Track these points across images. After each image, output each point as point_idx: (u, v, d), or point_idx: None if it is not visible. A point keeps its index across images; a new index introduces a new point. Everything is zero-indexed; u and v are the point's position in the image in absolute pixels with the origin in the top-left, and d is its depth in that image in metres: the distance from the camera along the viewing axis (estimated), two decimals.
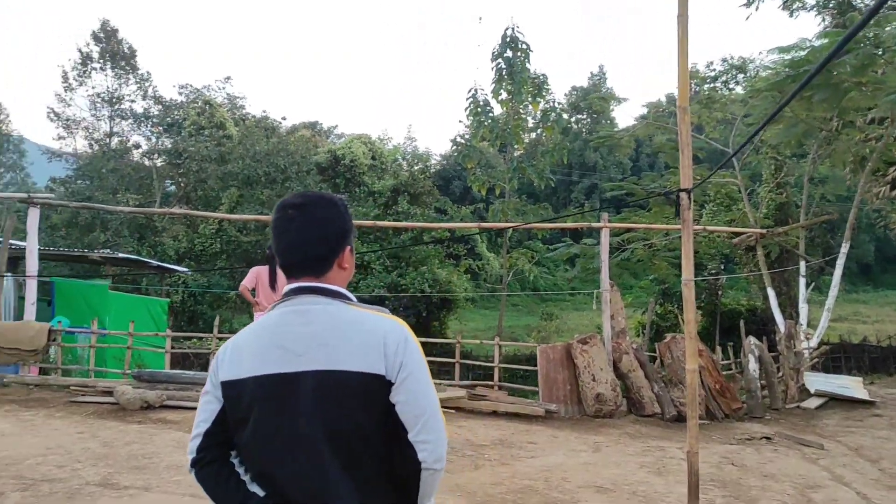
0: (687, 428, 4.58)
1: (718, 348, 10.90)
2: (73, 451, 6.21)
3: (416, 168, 32.25)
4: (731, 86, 28.53)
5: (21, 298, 11.36)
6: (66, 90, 33.08)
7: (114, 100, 32.85)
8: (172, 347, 11.74)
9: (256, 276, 8.18)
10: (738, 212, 19.55)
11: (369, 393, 1.62)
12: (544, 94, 24.62)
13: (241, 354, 1.71)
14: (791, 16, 21.27)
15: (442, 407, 1.73)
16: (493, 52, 23.85)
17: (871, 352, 21.26)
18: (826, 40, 11.42)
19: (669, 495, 5.53)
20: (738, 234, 13.80)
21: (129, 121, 32.77)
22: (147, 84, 33.15)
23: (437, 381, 8.27)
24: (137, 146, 33.14)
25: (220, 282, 24.73)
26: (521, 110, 24.53)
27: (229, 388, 1.69)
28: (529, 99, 24.30)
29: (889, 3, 10.89)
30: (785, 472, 6.36)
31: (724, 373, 9.47)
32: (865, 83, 10.27)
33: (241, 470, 1.70)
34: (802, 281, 13.89)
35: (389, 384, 1.63)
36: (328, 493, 1.60)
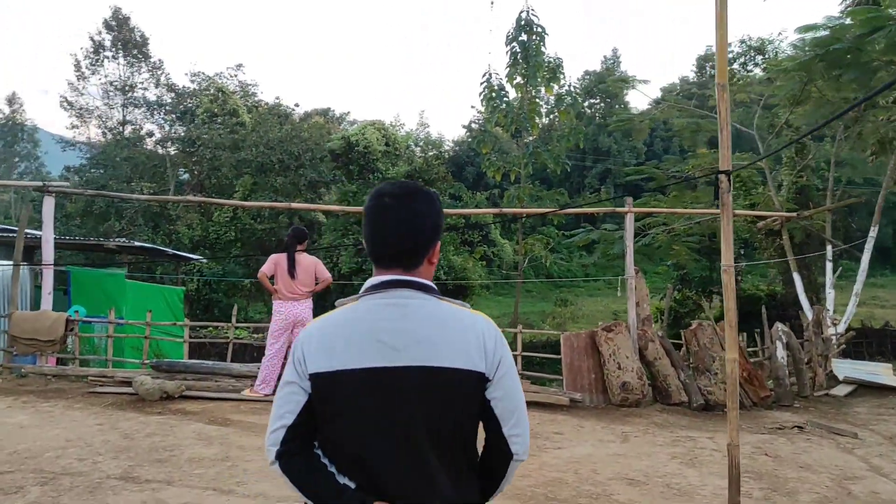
0: (727, 420, 4.41)
1: (744, 335, 10.68)
2: (94, 443, 6.11)
3: (430, 154, 32.01)
4: (749, 67, 28.11)
5: (38, 288, 11.33)
6: (78, 79, 33.12)
7: (126, 88, 32.83)
8: (189, 336, 11.68)
9: (275, 263, 8.07)
10: (759, 195, 19.23)
11: (469, 389, 1.65)
12: (559, 77, 24.31)
13: (332, 346, 1.68)
14: None
15: None
16: (508, 36, 23.56)
17: (893, 336, 20.91)
18: (850, 20, 11.11)
19: (704, 488, 5.36)
20: (762, 218, 13.53)
21: (142, 109, 32.77)
22: (159, 72, 33.10)
23: None
24: (151, 134, 33.18)
25: (234, 269, 24.70)
26: (535, 94, 24.24)
27: (320, 380, 1.66)
28: (544, 83, 24.02)
29: None
30: (821, 462, 6.18)
31: (752, 360, 9.26)
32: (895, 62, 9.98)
33: (325, 462, 1.70)
34: (829, 266, 13.60)
35: (487, 380, 1.67)
36: (427, 486, 1.63)
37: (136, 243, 16.30)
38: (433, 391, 1.62)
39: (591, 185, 52.56)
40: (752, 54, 27.97)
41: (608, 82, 30.98)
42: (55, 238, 10.03)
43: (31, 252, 12.59)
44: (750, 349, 10.63)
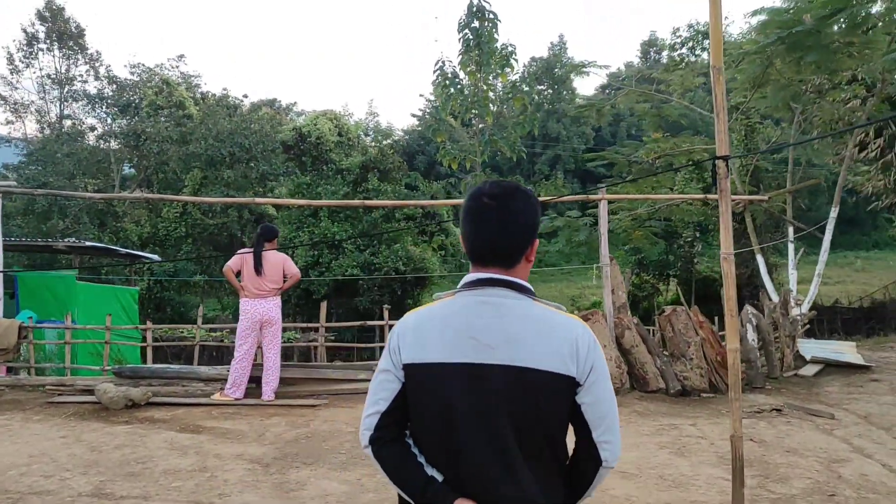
0: (730, 410, 4.34)
1: (716, 318, 10.76)
2: (59, 458, 5.78)
3: (385, 143, 31.61)
4: (697, 52, 28.47)
5: None
6: (12, 73, 31.78)
7: (64, 81, 31.61)
8: (145, 339, 11.25)
9: (242, 260, 7.78)
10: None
11: (558, 392, 1.67)
12: (513, 64, 24.16)
13: (426, 339, 1.73)
14: None
15: None
16: (460, 23, 23.28)
17: (842, 313, 21.51)
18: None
19: (697, 478, 5.31)
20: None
21: (82, 102, 31.56)
22: (98, 64, 31.92)
23: None
24: (92, 128, 31.98)
25: (186, 267, 24.05)
26: (488, 81, 24.05)
27: (413, 370, 1.72)
28: (497, 70, 23.84)
29: None
30: (805, 445, 6.21)
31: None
32: (855, 43, 10.11)
33: (415, 451, 1.75)
34: (791, 247, 13.82)
35: (577, 385, 1.68)
36: (511, 483, 1.65)
37: (87, 243, 15.66)
38: (522, 391, 1.65)
39: (541, 171, 52.77)
40: (700, 38, 28.34)
41: (568, 66, 30.99)
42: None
43: None
44: (721, 333, 10.69)
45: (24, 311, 11.09)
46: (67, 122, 32.06)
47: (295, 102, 63.74)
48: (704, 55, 27.29)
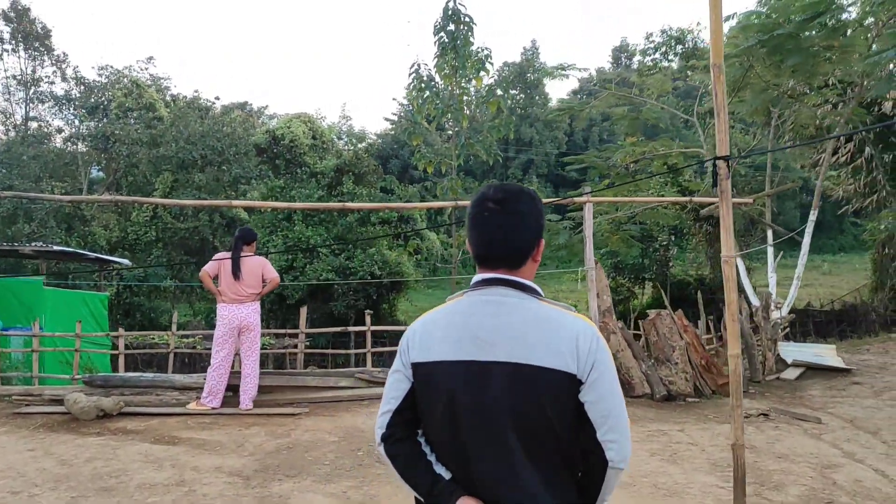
0: (732, 418, 4.23)
1: (700, 322, 10.71)
2: (27, 472, 5.50)
3: (360, 147, 31.31)
4: (670, 57, 28.67)
5: None
6: None
7: (30, 83, 30.93)
8: (115, 346, 10.94)
9: (219, 264, 7.54)
10: (691, 182, 19.55)
11: (559, 390, 1.65)
12: (488, 68, 24.11)
13: (432, 338, 1.76)
14: None
15: None
16: (436, 26, 23.16)
17: (815, 316, 21.68)
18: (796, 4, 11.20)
19: (692, 486, 5.21)
20: (708, 204, 13.66)
21: (49, 104, 30.88)
22: (65, 65, 31.27)
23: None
24: (60, 131, 31.27)
25: (156, 271, 23.57)
26: (463, 85, 23.97)
27: (420, 370, 1.76)
28: (473, 73, 23.76)
29: None
30: (796, 451, 6.14)
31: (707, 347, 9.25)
32: (835, 47, 10.14)
33: (426, 450, 1.78)
34: (770, 250, 13.86)
35: (580, 383, 1.66)
36: (513, 481, 1.65)
37: (55, 247, 15.21)
38: (522, 388, 1.64)
39: (514, 175, 52.83)
40: (673, 43, 28.53)
41: (543, 71, 31.01)
42: None
43: None
44: (705, 336, 10.66)
45: None
46: (33, 124, 31.38)
47: (266, 106, 63.20)
48: (677, 61, 27.53)
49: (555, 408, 1.64)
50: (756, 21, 10.64)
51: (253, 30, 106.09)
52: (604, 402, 1.67)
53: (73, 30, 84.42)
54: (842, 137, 15.49)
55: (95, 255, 16.14)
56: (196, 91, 39.59)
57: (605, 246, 21.28)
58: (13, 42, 30.91)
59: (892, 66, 10.87)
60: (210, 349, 7.81)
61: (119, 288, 22.01)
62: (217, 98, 34.96)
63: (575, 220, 17.83)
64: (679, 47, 28.30)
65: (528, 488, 1.64)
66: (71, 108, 30.29)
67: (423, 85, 23.35)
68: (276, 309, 22.24)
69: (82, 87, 30.30)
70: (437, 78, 23.62)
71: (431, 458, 1.76)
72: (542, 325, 1.69)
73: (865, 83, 11.48)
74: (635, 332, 9.12)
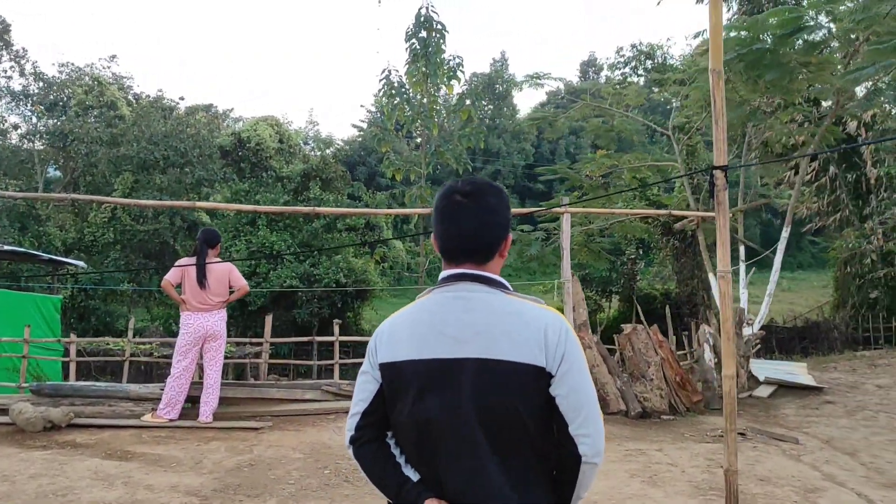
0: (725, 443, 4.04)
1: (674, 339, 10.59)
2: None
3: (327, 152, 30.91)
4: (639, 71, 28.87)
5: None
6: None
7: None
8: (67, 353, 10.42)
9: (183, 271, 7.16)
10: (661, 196, 19.58)
11: (528, 384, 1.61)
12: (459, 76, 24.03)
13: (399, 337, 1.72)
14: (698, 2, 21.53)
15: None
16: (407, 33, 23.03)
17: (777, 332, 21.84)
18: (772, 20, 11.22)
19: None
20: (681, 218, 13.63)
21: (6, 100, 29.91)
22: (24, 60, 30.33)
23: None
24: (16, 127, 30.32)
25: (113, 274, 22.84)
26: (435, 93, 23.86)
27: (387, 370, 1.71)
28: (444, 81, 23.67)
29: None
30: (777, 473, 5.98)
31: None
32: (812, 63, 10.15)
33: (396, 452, 1.74)
34: (742, 266, 13.87)
35: (549, 376, 1.61)
36: (480, 482, 1.60)
37: (6, 247, 14.57)
38: (491, 384, 1.60)
39: None
40: (643, 58, 28.76)
41: (511, 82, 31.06)
42: None
43: None
44: (679, 352, 10.55)
45: None
46: None
47: (232, 108, 62.01)
48: (645, 76, 27.74)
49: (525, 403, 1.60)
50: (734, 35, 10.63)
51: (218, 33, 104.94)
52: (575, 395, 1.62)
53: (34, 27, 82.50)
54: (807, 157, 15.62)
55: (49, 256, 15.51)
56: (160, 91, 38.73)
57: (574, 258, 21.21)
58: None
59: (869, 83, 10.99)
60: (169, 357, 7.42)
61: (73, 291, 21.28)
62: (181, 98, 34.21)
63: (547, 231, 17.68)
64: (648, 62, 28.58)
65: (496, 488, 1.60)
66: (28, 105, 29.38)
67: (393, 91, 23.19)
68: (238, 315, 21.69)
69: (41, 84, 29.43)
70: (408, 85, 23.48)
71: (400, 459, 1.72)
72: (510, 318, 1.64)
73: (840, 101, 11.56)
74: (609, 346, 8.96)
